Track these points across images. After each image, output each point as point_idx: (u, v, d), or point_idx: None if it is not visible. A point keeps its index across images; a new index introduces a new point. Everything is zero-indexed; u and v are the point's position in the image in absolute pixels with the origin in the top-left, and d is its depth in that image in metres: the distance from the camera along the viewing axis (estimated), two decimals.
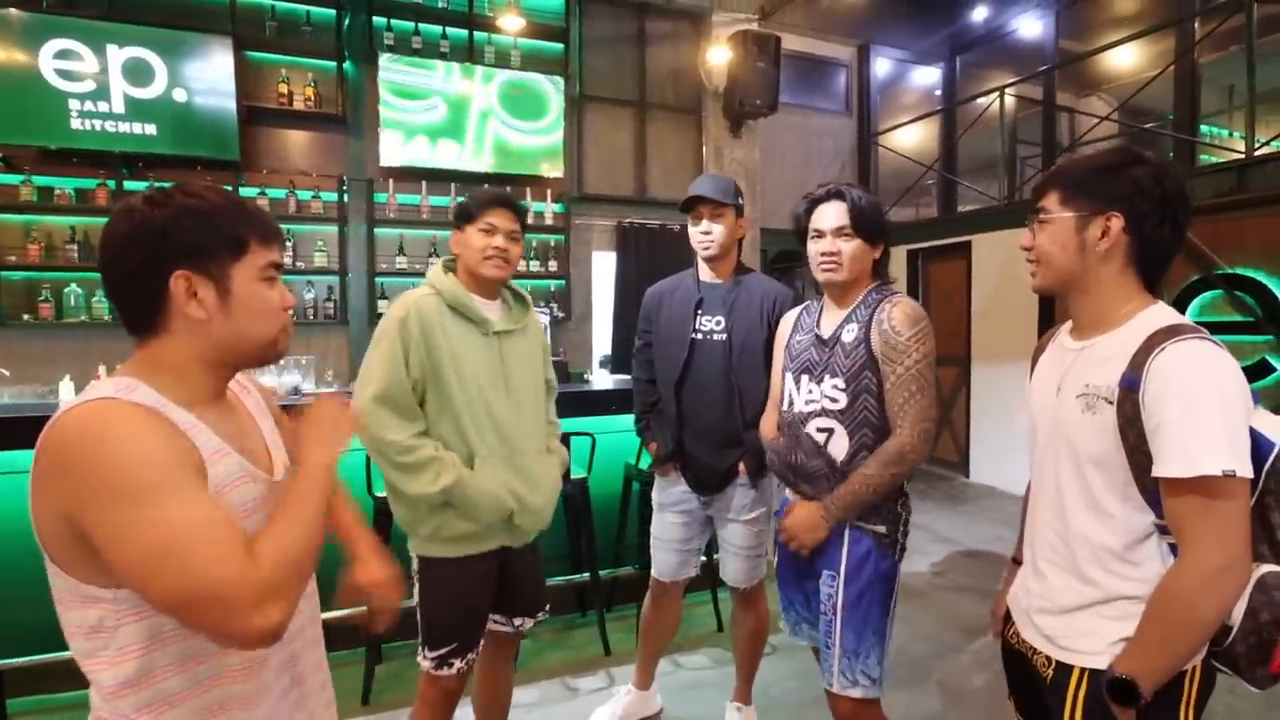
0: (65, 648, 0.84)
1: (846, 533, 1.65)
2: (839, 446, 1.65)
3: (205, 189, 0.90)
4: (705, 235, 2.09)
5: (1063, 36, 6.50)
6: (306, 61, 4.76)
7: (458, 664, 1.76)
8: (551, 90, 5.29)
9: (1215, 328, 4.25)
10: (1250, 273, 4.09)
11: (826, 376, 1.67)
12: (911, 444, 1.58)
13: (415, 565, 1.78)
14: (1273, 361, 4.02)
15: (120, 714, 0.83)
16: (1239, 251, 4.13)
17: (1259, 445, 1.02)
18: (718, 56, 5.66)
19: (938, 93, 7.70)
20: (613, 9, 5.70)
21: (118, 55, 4.21)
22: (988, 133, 6.37)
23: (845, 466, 1.64)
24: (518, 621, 1.91)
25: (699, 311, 2.13)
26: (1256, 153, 4.20)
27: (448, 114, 5.04)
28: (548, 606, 1.98)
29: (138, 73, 4.26)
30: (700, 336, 2.11)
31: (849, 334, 1.66)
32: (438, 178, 5.05)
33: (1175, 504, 1.01)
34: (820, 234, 1.69)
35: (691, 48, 5.94)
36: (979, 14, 6.91)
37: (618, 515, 3.19)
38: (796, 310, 1.88)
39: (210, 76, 4.40)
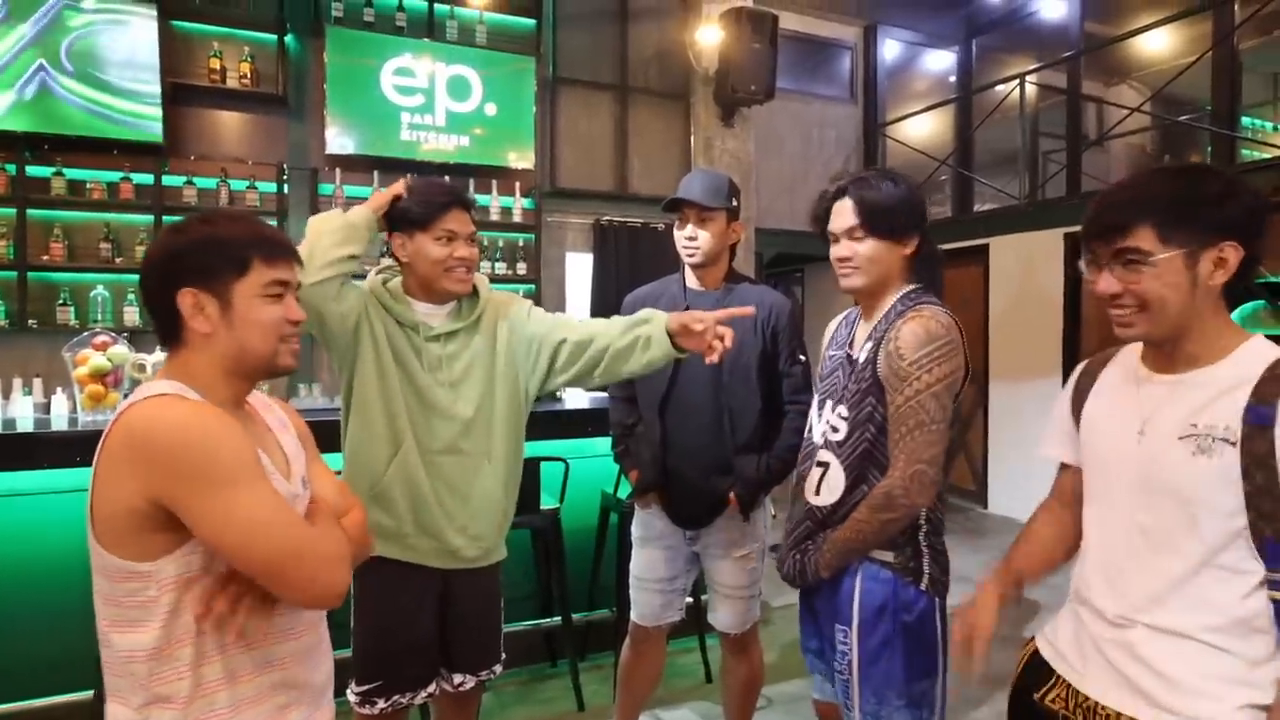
0: None
1: (856, 576, 1.59)
2: (832, 485, 1.60)
3: (228, 216, 1.17)
4: (691, 241, 2.09)
5: (1089, 19, 6.66)
6: (243, 34, 4.75)
7: (381, 704, 1.75)
8: (522, 71, 5.32)
9: None
10: None
11: (833, 404, 1.64)
12: (902, 488, 1.49)
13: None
14: None
15: (139, 678, 1.02)
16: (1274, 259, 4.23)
17: None
18: (708, 36, 5.72)
19: (952, 79, 7.84)
20: None
21: (24, 20, 4.16)
22: (1007, 124, 6.49)
23: (833, 512, 1.59)
24: (457, 679, 1.86)
25: None
26: None
27: (403, 96, 5.04)
28: (499, 661, 1.94)
29: (45, 44, 4.21)
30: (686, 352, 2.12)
31: (864, 353, 1.61)
32: (392, 168, 5.04)
33: None
34: (834, 237, 1.65)
35: (679, 26, 6.01)
36: None
37: (593, 551, 3.18)
38: (839, 318, 1.83)
39: (129, 49, 4.37)
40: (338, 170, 4.96)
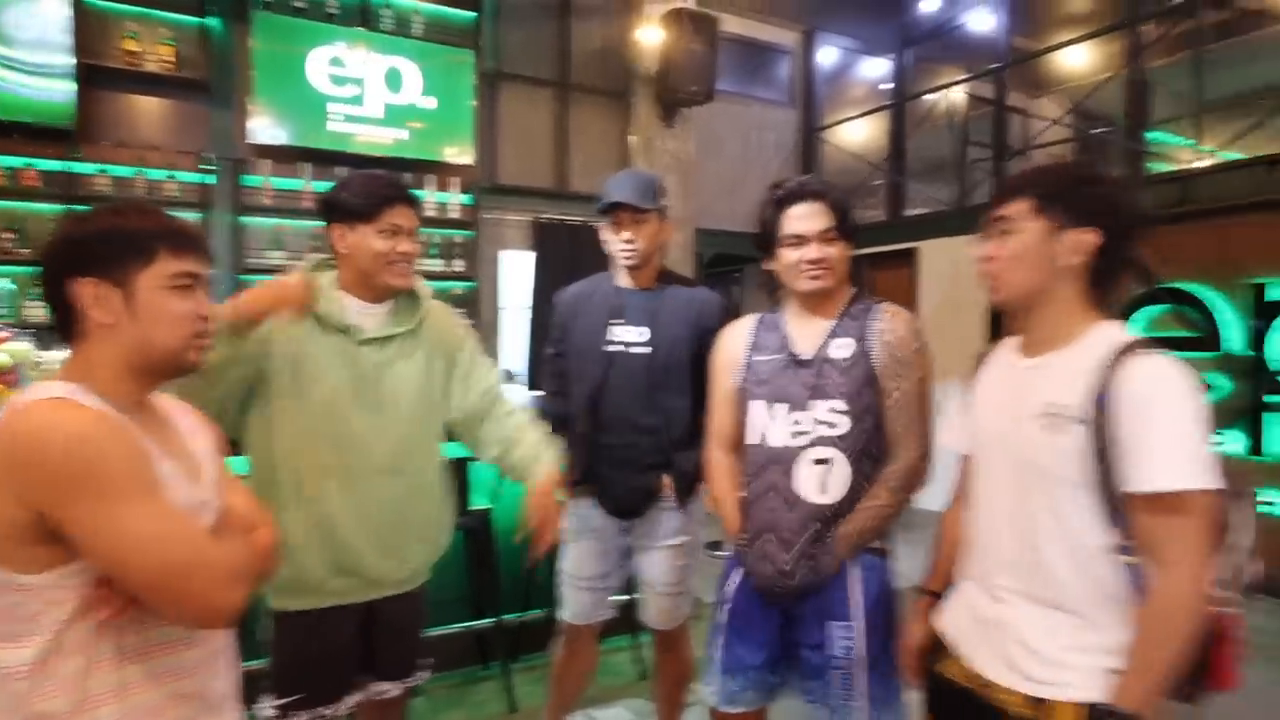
0: None
1: (855, 570, 1.63)
2: (838, 479, 1.62)
3: (135, 206, 1.12)
4: (628, 245, 2.10)
5: (1015, 33, 6.94)
6: (161, 15, 4.56)
7: (304, 716, 1.69)
8: (460, 64, 5.25)
9: (1158, 344, 4.60)
10: (1193, 287, 4.46)
11: (817, 401, 1.64)
12: (918, 467, 1.63)
13: (264, 620, 1.72)
14: (1213, 379, 4.38)
15: (19, 696, 0.96)
16: (1183, 265, 4.51)
17: None
18: (649, 36, 5.76)
19: (887, 87, 8.07)
20: None
21: None
22: (938, 132, 6.72)
23: (843, 506, 1.62)
24: (382, 688, 1.82)
25: (616, 321, 2.14)
26: (1203, 163, 4.60)
27: (335, 86, 4.92)
28: (425, 667, 1.91)
29: None
30: (618, 349, 2.13)
31: (841, 349, 1.65)
32: (323, 160, 4.91)
33: (1151, 520, 1.13)
34: (802, 239, 1.66)
35: (620, 25, 6.03)
36: (930, 4, 7.30)
37: (527, 551, 3.16)
38: (746, 326, 1.83)
39: (38, 26, 4.15)
40: (265, 161, 4.81)
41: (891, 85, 7.96)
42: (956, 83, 6.31)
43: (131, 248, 1.05)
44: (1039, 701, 1.19)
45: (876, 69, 8.15)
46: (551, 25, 5.89)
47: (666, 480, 2.11)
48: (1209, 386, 4.37)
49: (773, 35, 7.36)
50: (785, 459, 1.65)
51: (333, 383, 1.65)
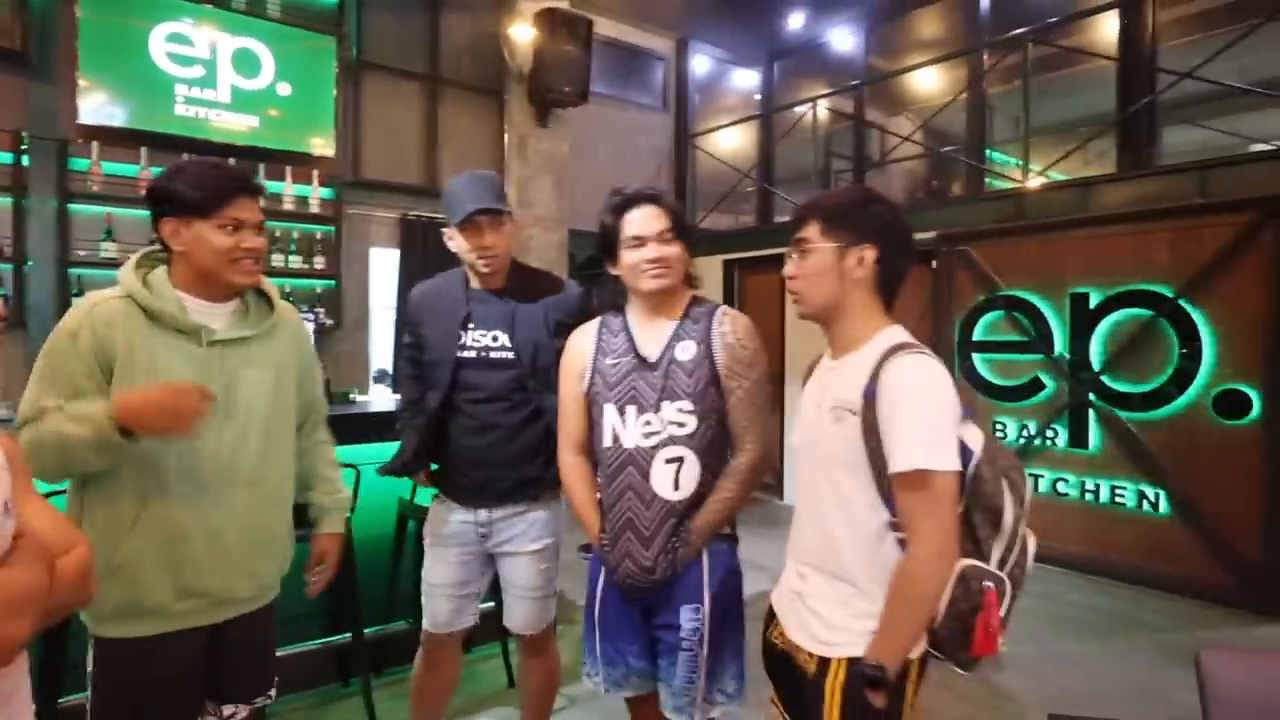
0: None
1: (705, 556, 1.73)
2: (689, 476, 1.71)
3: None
4: (488, 250, 2.05)
5: (873, 53, 7.39)
6: None
7: None
8: (320, 50, 4.99)
9: (996, 346, 5.04)
10: (1025, 295, 4.90)
11: (666, 402, 1.71)
12: (760, 460, 1.73)
13: (91, 650, 1.57)
14: (1043, 379, 4.84)
15: None
16: (1017, 274, 4.94)
17: (963, 454, 1.31)
18: (522, 34, 5.70)
19: (757, 97, 8.38)
20: None
21: None
22: (804, 143, 7.05)
23: (694, 500, 1.71)
24: (227, 711, 1.71)
25: (470, 325, 2.10)
26: (1031, 183, 5.07)
27: (178, 66, 4.55)
28: (273, 685, 1.81)
29: None
30: (473, 354, 2.08)
31: (685, 351, 1.74)
32: (168, 146, 4.53)
33: (903, 497, 1.30)
34: (641, 240, 1.74)
35: (492, 20, 5.93)
36: (795, 21, 7.64)
37: (389, 561, 3.05)
38: (590, 330, 1.87)
39: None
40: (95, 144, 4.38)
41: (760, 96, 8.28)
42: (819, 97, 6.65)
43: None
44: (824, 660, 1.38)
45: (747, 80, 8.44)
46: (421, 16, 5.71)
47: (512, 491, 2.09)
48: (1041, 385, 4.82)
49: (647, 41, 7.47)
50: (639, 459, 1.73)
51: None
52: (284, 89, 4.89)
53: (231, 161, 4.36)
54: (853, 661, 1.34)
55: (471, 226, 2.03)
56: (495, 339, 2.08)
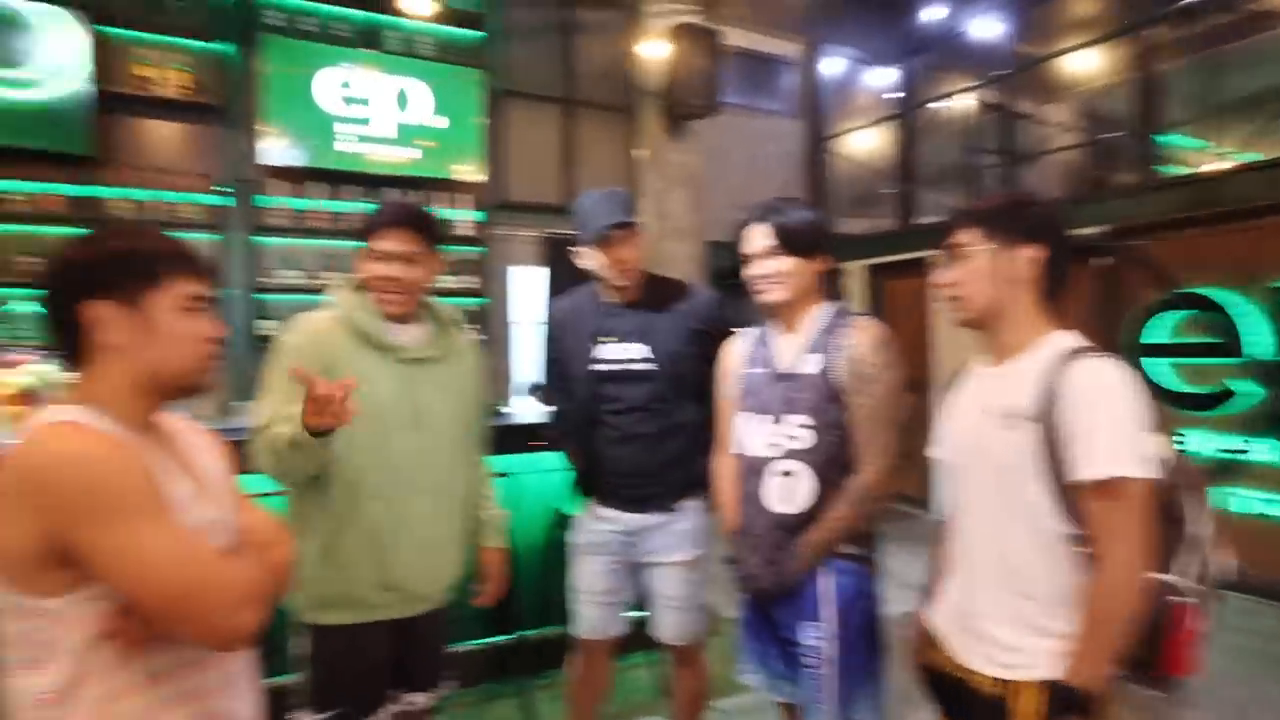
0: None
1: (829, 574, 1.70)
2: (803, 490, 1.70)
3: (131, 226, 1.15)
4: (622, 264, 2.07)
5: (1021, 40, 6.95)
6: (176, 40, 4.65)
7: None
8: (469, 83, 5.31)
9: (1176, 350, 4.56)
10: (1213, 292, 4.41)
11: (788, 415, 1.72)
12: (879, 480, 1.66)
13: (301, 635, 1.75)
14: (1234, 386, 4.32)
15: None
16: (1201, 269, 4.47)
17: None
18: (654, 51, 5.81)
19: (893, 96, 8.09)
20: None
21: None
22: (947, 140, 6.72)
23: (807, 516, 1.69)
24: (412, 699, 1.85)
25: (605, 339, 2.13)
26: (1219, 166, 4.57)
27: (345, 106, 4.98)
28: (449, 681, 1.94)
29: None
30: (610, 368, 2.11)
31: (810, 365, 1.73)
32: (334, 179, 4.97)
33: (1093, 506, 1.25)
34: (748, 259, 1.79)
35: (625, 41, 6.08)
36: (935, 13, 7.32)
37: (544, 567, 3.16)
38: (744, 340, 1.90)
39: (59, 55, 4.23)
40: (279, 183, 4.87)
41: (898, 94, 7.98)
42: (963, 90, 6.32)
43: (143, 270, 1.05)
44: (1006, 683, 1.31)
45: (883, 78, 8.17)
46: (557, 43, 5.95)
47: (658, 501, 2.12)
48: (1233, 393, 4.33)
49: (777, 48, 7.40)
50: (758, 469, 1.75)
51: (376, 400, 1.67)
52: (438, 121, 5.24)
53: (406, 195, 4.73)
54: (1045, 684, 1.28)
55: (606, 242, 2.06)
56: (634, 351, 2.11)
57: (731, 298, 2.31)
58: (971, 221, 1.41)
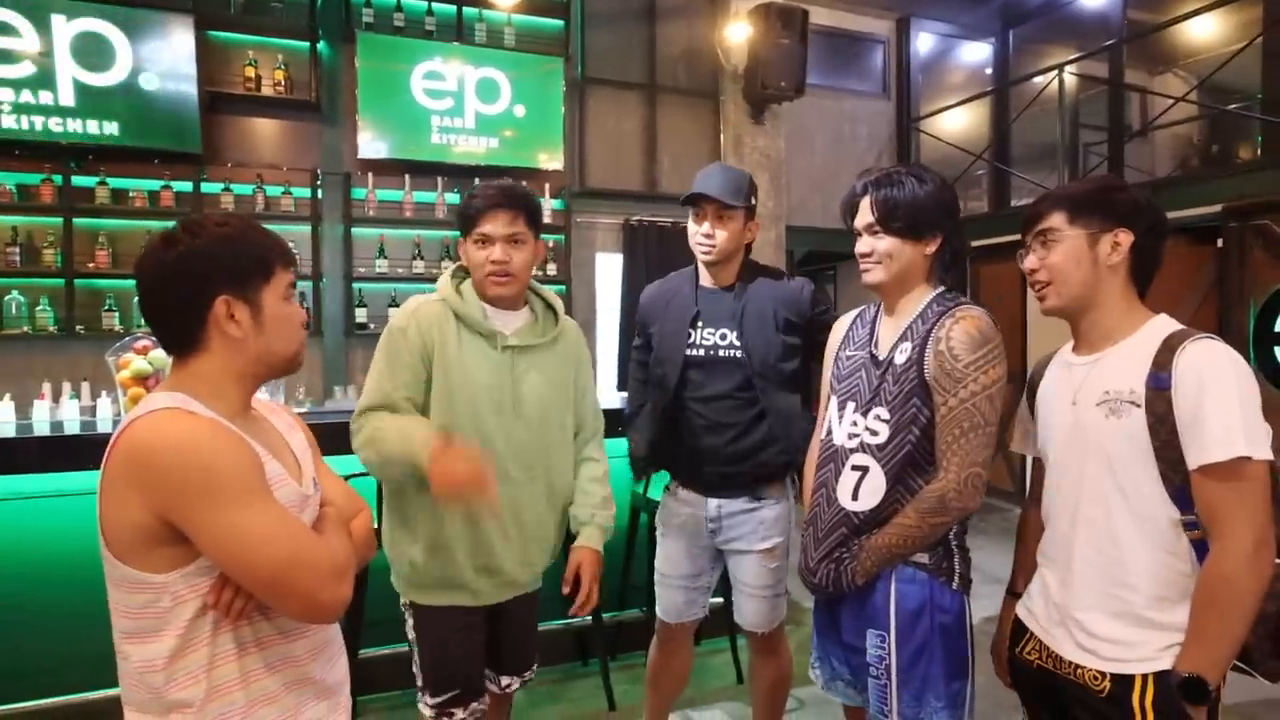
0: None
1: (890, 580, 1.59)
2: (873, 489, 1.59)
3: (230, 218, 1.15)
4: (708, 239, 2.07)
5: (1131, 6, 6.51)
6: (276, 42, 4.87)
7: (460, 714, 1.78)
8: (550, 72, 5.37)
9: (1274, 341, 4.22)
10: None
11: (874, 406, 1.61)
12: (956, 490, 1.51)
13: (409, 614, 1.83)
14: None
15: (155, 688, 1.04)
16: None
17: None
18: (737, 33, 5.73)
19: (988, 71, 7.73)
20: None
21: (64, 35, 4.31)
22: (1045, 117, 6.38)
23: (873, 517, 1.59)
24: (505, 681, 1.93)
25: (697, 324, 2.13)
26: None
27: (433, 100, 5.12)
28: (535, 664, 2.01)
29: (87, 55, 4.36)
30: (702, 353, 2.11)
31: (901, 354, 1.60)
32: (422, 171, 5.13)
33: (1210, 490, 1.22)
34: (857, 233, 1.68)
35: (707, 24, 6.02)
36: None
37: (623, 551, 3.20)
38: (849, 317, 1.83)
39: (169, 59, 4.51)
40: (369, 174, 5.06)
41: (992, 70, 7.62)
42: (1068, 62, 5.96)
43: (256, 263, 1.12)
44: (1116, 677, 1.29)
45: (977, 53, 7.81)
46: (638, 29, 5.93)
47: (773, 483, 2.12)
48: None
49: (865, 25, 7.17)
50: (838, 459, 1.67)
51: (476, 385, 1.72)
52: (519, 110, 5.33)
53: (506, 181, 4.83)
54: (1161, 675, 1.26)
55: (695, 211, 2.09)
56: (724, 337, 2.10)
57: (816, 284, 2.26)
58: (1060, 206, 1.39)
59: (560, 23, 5.50)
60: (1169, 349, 1.28)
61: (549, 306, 1.90)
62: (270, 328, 1.12)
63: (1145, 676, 1.27)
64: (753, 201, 2.12)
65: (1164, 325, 1.35)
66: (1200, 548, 1.27)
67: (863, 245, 1.66)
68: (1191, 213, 4.74)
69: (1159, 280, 1.45)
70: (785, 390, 2.09)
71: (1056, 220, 1.38)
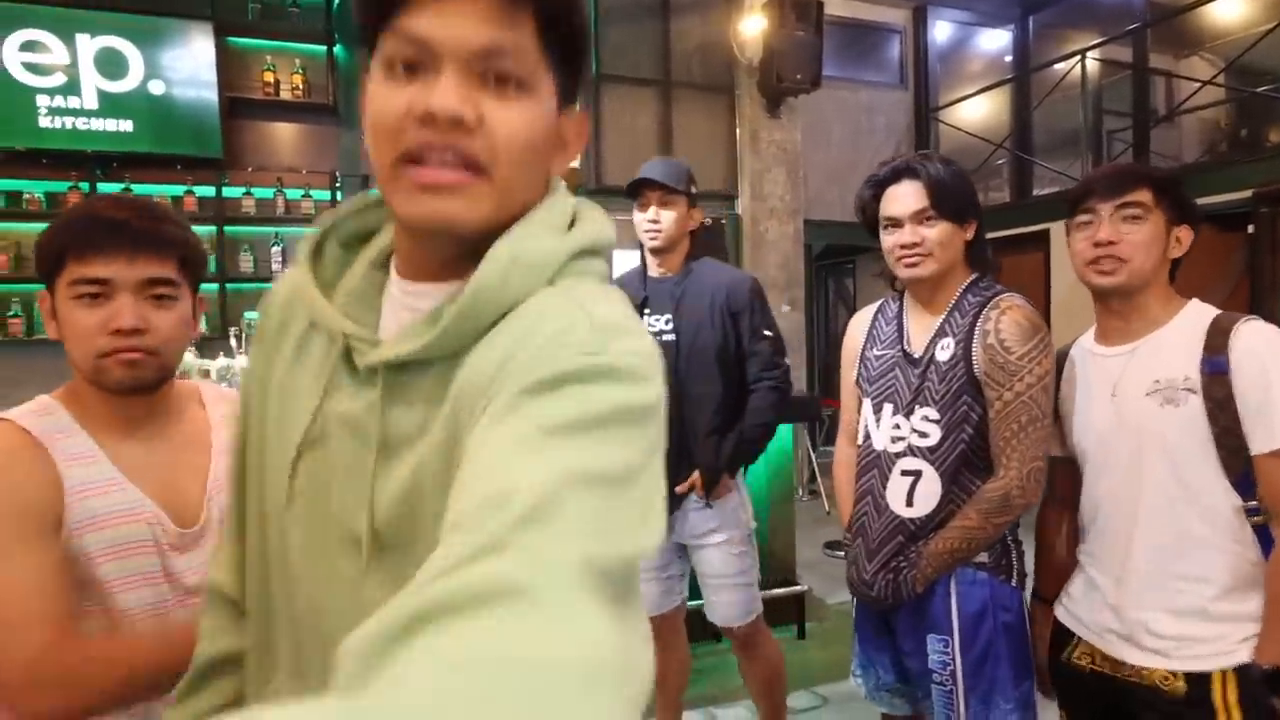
0: None
1: (951, 584, 1.53)
2: (928, 493, 1.52)
3: (95, 199, 0.98)
4: (653, 224, 2.12)
5: None
6: (293, 46, 4.90)
7: None
8: None
9: None
10: None
11: (918, 406, 1.53)
12: (1019, 487, 1.45)
13: None
14: None
15: None
16: None
17: None
18: (751, 27, 5.67)
19: (1008, 59, 7.60)
20: None
21: (89, 46, 4.37)
22: (1067, 104, 6.27)
23: (929, 521, 1.52)
24: None
25: (645, 312, 2.15)
26: None
27: None
28: None
29: (111, 64, 4.42)
30: None
31: (944, 351, 1.52)
32: None
33: (1274, 471, 1.20)
34: (896, 222, 1.56)
35: (721, 17, 5.97)
36: None
37: None
38: (867, 315, 1.75)
39: (189, 67, 4.55)
40: None
41: (1012, 58, 7.49)
42: (1091, 47, 5.85)
43: (53, 255, 0.94)
44: (1192, 676, 1.25)
45: (996, 40, 7.69)
46: (652, 24, 5.90)
47: (695, 478, 2.08)
48: None
49: (881, 15, 7.08)
50: (883, 465, 1.58)
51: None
52: None
53: None
54: (1238, 669, 1.23)
55: (639, 199, 2.15)
56: (666, 321, 2.13)
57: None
58: (1147, 184, 1.35)
59: None
60: (1220, 332, 1.25)
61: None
62: (64, 331, 0.95)
63: (1225, 673, 1.24)
64: (693, 190, 2.17)
65: (1203, 310, 1.33)
66: (1262, 534, 1.24)
67: (908, 235, 1.54)
68: (1221, 198, 4.63)
69: (1188, 266, 1.42)
70: (709, 377, 2.09)
71: (1144, 196, 1.34)
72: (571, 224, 0.65)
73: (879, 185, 1.60)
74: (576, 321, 0.56)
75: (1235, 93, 6.00)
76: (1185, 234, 1.36)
